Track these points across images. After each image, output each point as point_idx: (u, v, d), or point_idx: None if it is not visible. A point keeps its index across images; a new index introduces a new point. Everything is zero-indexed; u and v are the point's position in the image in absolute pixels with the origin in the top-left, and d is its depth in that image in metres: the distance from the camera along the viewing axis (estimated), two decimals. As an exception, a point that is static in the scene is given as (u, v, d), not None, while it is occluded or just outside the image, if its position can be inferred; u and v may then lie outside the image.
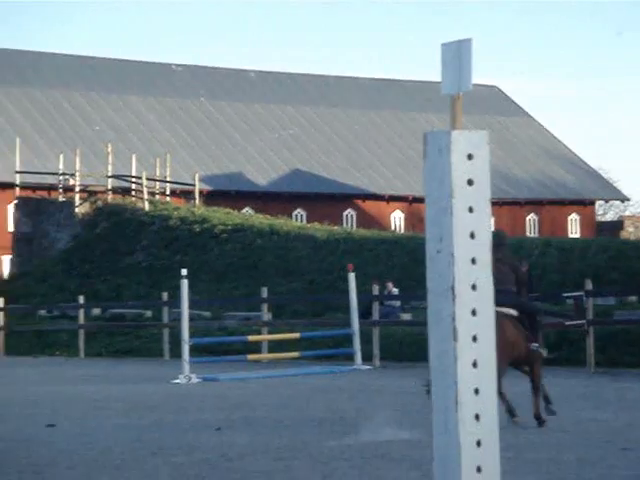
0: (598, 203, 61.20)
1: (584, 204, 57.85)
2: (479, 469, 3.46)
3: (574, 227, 57.14)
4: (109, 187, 41.39)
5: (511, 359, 11.30)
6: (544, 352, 12.04)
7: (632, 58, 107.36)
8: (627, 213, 68.89)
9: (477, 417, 3.46)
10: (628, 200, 62.88)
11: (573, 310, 19.95)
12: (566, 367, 19.22)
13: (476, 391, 3.47)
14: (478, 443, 3.46)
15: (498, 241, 11.55)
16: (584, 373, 18.14)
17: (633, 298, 24.65)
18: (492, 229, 3.76)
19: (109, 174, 41.35)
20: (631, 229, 54.92)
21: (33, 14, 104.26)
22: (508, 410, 11.00)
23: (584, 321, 18.94)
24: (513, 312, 11.56)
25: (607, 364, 18.89)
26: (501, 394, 10.87)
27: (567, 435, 10.11)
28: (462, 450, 3.43)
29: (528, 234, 53.92)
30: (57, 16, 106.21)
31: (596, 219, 59.86)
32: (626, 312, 22.28)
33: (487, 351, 3.50)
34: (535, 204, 56.31)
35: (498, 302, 11.01)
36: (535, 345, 11.68)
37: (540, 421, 10.90)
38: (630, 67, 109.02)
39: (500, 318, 10.94)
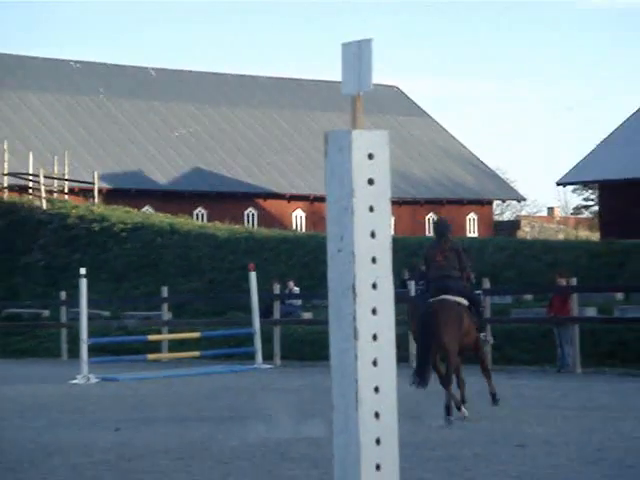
0: (495, 203, 62.18)
1: (482, 204, 58.71)
2: (378, 467, 3.48)
3: (472, 226, 57.95)
4: (5, 185, 40.65)
5: (462, 348, 11.87)
6: (491, 340, 12.83)
7: (528, 58, 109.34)
8: (523, 213, 70.19)
9: (377, 415, 3.49)
10: (524, 200, 63.99)
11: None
12: (466, 364, 19.46)
13: (376, 389, 3.49)
14: (377, 441, 3.49)
15: (442, 229, 12.18)
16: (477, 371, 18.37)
17: (529, 297, 25.10)
18: (392, 229, 3.79)
19: (5, 172, 40.61)
20: (527, 229, 55.94)
21: None
22: (456, 403, 11.46)
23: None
24: (465, 302, 11.91)
25: (503, 362, 19.20)
26: (459, 385, 11.77)
27: (464, 432, 10.25)
28: (362, 448, 3.45)
29: (427, 234, 54.52)
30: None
31: (493, 219, 60.82)
32: (522, 310, 22.67)
33: (387, 350, 3.53)
34: (434, 204, 56.95)
35: (448, 287, 11.73)
36: (484, 334, 12.53)
37: (495, 399, 12.05)
38: (527, 67, 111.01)
39: (457, 308, 11.73)
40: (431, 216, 56.80)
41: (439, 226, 12.47)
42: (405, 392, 10.84)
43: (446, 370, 11.66)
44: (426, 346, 11.61)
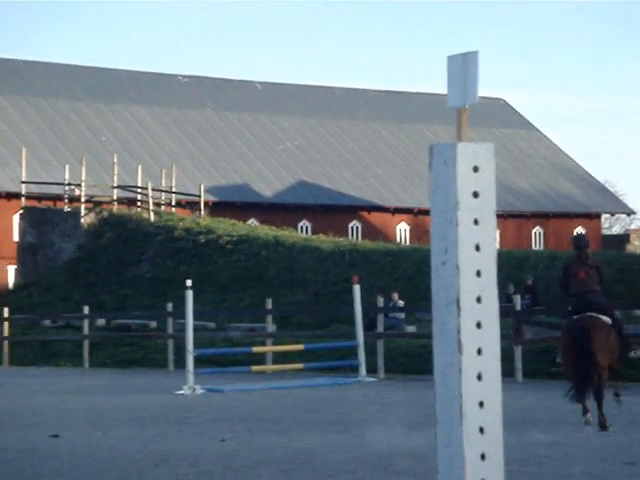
0: (604, 216, 61.18)
1: (590, 217, 57.80)
2: (483, 482, 3.44)
3: (580, 240, 57.07)
4: (114, 197, 41.43)
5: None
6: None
7: (638, 71, 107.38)
8: (633, 227, 68.85)
9: (481, 430, 3.45)
10: (634, 213, 62.84)
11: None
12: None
13: (480, 404, 3.46)
14: (482, 456, 3.45)
15: (582, 244, 12.49)
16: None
17: (639, 312, 24.58)
18: (497, 242, 3.77)
19: (115, 184, 41.40)
20: (637, 242, 54.84)
21: (41, 24, 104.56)
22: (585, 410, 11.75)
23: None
24: (608, 319, 12.14)
25: (612, 377, 18.80)
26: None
27: (572, 448, 10.08)
28: (466, 463, 3.42)
29: (534, 247, 53.87)
30: (65, 26, 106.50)
31: (602, 232, 59.81)
32: (632, 326, 22.22)
33: (492, 364, 3.49)
34: (541, 217, 56.27)
35: (592, 303, 11.92)
36: (634, 351, 12.95)
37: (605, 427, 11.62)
38: (637, 80, 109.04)
39: (608, 327, 12.02)
40: (537, 229, 56.10)
41: (579, 241, 12.64)
42: (512, 407, 10.71)
43: (598, 387, 11.88)
44: (586, 362, 11.77)
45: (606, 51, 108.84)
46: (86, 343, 27.17)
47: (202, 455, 9.63)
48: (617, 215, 64.14)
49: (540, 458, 9.32)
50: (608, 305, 12.45)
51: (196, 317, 20.24)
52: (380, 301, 22.36)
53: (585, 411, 11.79)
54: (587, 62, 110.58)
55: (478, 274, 3.49)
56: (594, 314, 11.96)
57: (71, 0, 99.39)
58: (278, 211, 50.13)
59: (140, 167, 43.24)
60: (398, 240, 51.16)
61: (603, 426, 11.57)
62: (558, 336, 12.58)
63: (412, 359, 22.22)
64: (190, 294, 18.36)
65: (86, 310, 27.83)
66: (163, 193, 42.79)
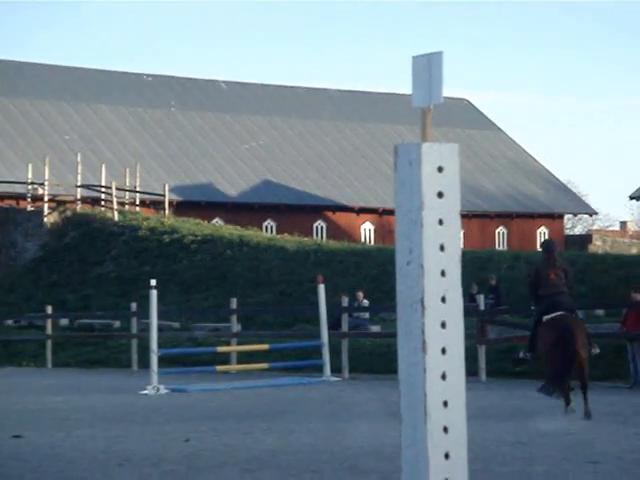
0: (567, 217, 61.60)
1: (553, 217, 58.17)
2: (447, 481, 3.46)
3: (543, 240, 57.46)
4: (78, 197, 41.21)
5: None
6: (597, 350, 13.60)
7: (600, 73, 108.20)
8: (595, 227, 69.43)
9: (445, 429, 3.47)
10: (596, 214, 63.30)
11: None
12: (535, 380, 19.26)
13: (445, 404, 3.47)
14: (446, 455, 3.46)
15: (552, 247, 13.36)
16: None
17: (600, 312, 24.77)
18: (461, 242, 3.80)
19: (78, 184, 41.18)
20: (599, 243, 55.28)
21: (2, 21, 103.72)
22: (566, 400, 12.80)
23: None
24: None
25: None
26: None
27: (535, 448, 10.14)
28: (430, 462, 3.43)
29: (497, 247, 54.13)
30: (28, 24, 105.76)
31: (565, 233, 60.21)
32: (594, 325, 22.39)
33: (456, 363, 3.50)
34: (504, 217, 56.56)
35: (562, 303, 12.70)
36: (594, 349, 13.43)
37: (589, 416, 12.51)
38: (600, 81, 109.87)
39: (582, 324, 13.26)
40: (501, 229, 56.38)
41: (549, 245, 13.48)
42: (475, 406, 10.76)
43: (584, 381, 12.86)
44: (571, 358, 12.68)
45: (569, 51, 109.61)
46: (49, 343, 27.01)
47: (166, 455, 9.60)
48: (580, 215, 64.60)
49: (504, 457, 9.37)
50: (574, 305, 13.29)
51: (160, 317, 20.17)
52: (345, 301, 22.39)
53: (568, 402, 12.79)
54: (550, 62, 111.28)
55: (442, 274, 3.50)
56: (568, 313, 12.83)
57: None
58: (243, 211, 50.06)
59: (104, 166, 43.03)
60: (363, 240, 51.25)
61: (589, 415, 12.47)
62: (536, 333, 13.13)
63: (377, 358, 22.26)
64: (154, 294, 18.30)
65: (49, 310, 27.66)
66: (127, 192, 42.61)
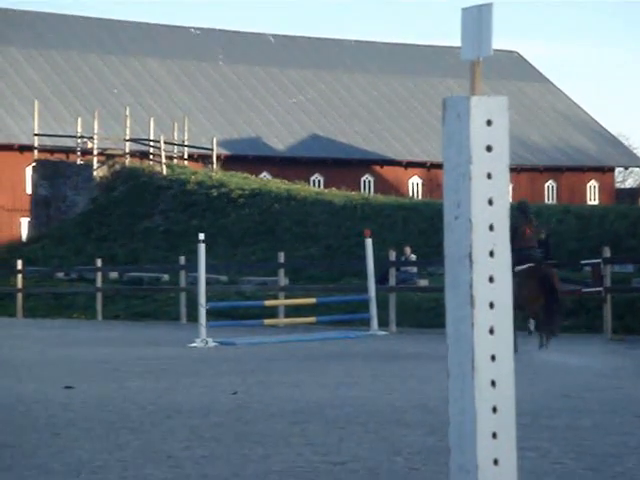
0: (617, 170, 60.97)
1: (603, 171, 57.59)
2: (495, 435, 3.47)
3: (593, 194, 56.92)
4: (127, 150, 41.41)
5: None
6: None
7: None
8: (646, 180, 68.58)
9: (493, 383, 3.46)
10: (648, 167, 62.51)
11: (591, 277, 19.92)
12: (584, 334, 19.22)
13: (492, 358, 3.47)
14: (494, 409, 3.46)
15: (528, 208, 15.21)
16: (601, 340, 18.13)
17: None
18: (510, 196, 3.78)
19: (127, 137, 41.36)
20: (650, 197, 54.69)
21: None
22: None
23: (601, 288, 18.91)
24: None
25: (624, 331, 18.87)
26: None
27: (584, 402, 10.12)
28: (478, 416, 3.44)
29: (547, 201, 53.77)
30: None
31: (615, 186, 59.62)
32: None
33: (504, 318, 3.50)
34: (554, 171, 56.10)
35: (533, 256, 14.62)
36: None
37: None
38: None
39: (551, 269, 15.13)
40: (550, 183, 55.96)
41: (526, 206, 15.44)
42: (522, 360, 10.76)
43: (555, 316, 14.85)
44: (554, 299, 14.73)
45: (622, 3, 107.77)
46: (99, 296, 27.31)
47: (214, 407, 9.70)
48: (631, 168, 63.86)
49: (551, 410, 9.36)
50: (543, 259, 15.33)
51: (208, 270, 20.30)
52: (392, 255, 22.37)
53: (545, 338, 14.95)
54: (602, 14, 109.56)
55: (491, 228, 3.48)
56: (539, 265, 14.97)
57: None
58: (290, 165, 50.08)
59: (152, 120, 43.17)
60: (410, 194, 51.11)
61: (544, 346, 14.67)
62: (520, 279, 14.72)
63: (424, 313, 22.27)
64: (202, 247, 18.40)
65: (99, 263, 27.94)
66: (175, 146, 42.76)
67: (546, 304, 14.71)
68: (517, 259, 14.11)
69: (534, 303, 14.81)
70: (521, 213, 15.05)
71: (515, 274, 13.88)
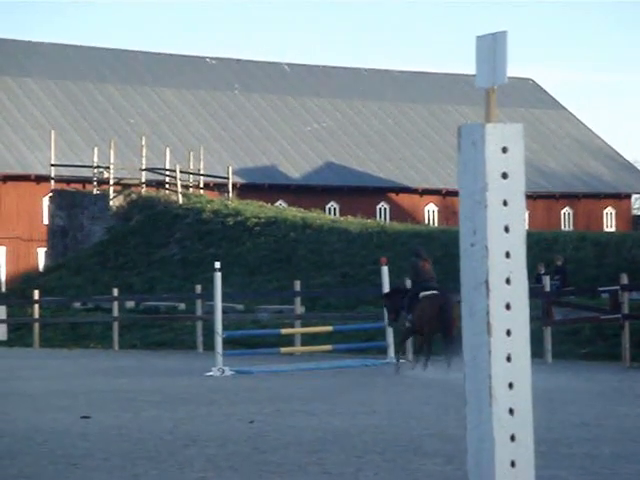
0: (634, 196, 60.81)
1: (620, 197, 57.47)
2: (513, 463, 3.45)
3: (610, 221, 56.79)
4: (143, 180, 41.57)
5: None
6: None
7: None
8: (663, 207, 68.35)
9: (511, 411, 3.45)
10: (664, 193, 62.32)
11: (609, 304, 19.83)
12: (601, 361, 19.12)
13: (510, 385, 3.45)
14: (512, 437, 3.45)
15: (420, 251, 18.40)
16: (619, 367, 18.03)
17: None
18: (526, 223, 3.78)
19: (143, 167, 41.53)
20: (667, 223, 54.52)
21: (69, 6, 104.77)
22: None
23: (620, 315, 18.82)
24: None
25: (642, 358, 18.73)
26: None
27: (602, 430, 10.06)
28: (496, 445, 3.42)
29: (563, 228, 53.65)
30: (94, 9, 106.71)
31: (632, 213, 59.46)
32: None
33: (521, 345, 3.48)
34: (570, 197, 56.01)
35: (434, 287, 17.19)
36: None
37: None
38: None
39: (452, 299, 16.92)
40: (567, 210, 55.86)
41: (420, 250, 18.77)
42: (541, 388, 10.66)
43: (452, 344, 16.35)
44: (450, 326, 16.98)
45: (635, 27, 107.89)
46: (116, 325, 27.32)
47: (231, 436, 9.68)
48: (647, 195, 63.67)
49: (570, 439, 9.30)
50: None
51: (224, 299, 20.29)
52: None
53: (420, 362, 17.33)
54: (616, 39, 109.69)
55: (507, 255, 3.48)
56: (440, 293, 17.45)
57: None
58: (306, 193, 50.15)
59: (168, 149, 43.34)
60: (426, 222, 51.08)
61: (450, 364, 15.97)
62: (421, 305, 17.29)
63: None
64: (219, 276, 18.41)
65: (115, 292, 27.97)
66: (191, 175, 42.89)
67: (443, 330, 16.99)
68: (422, 287, 17.58)
69: (431, 327, 17.26)
70: (417, 256, 18.14)
71: (420, 300, 17.39)
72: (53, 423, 11.01)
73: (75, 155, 46.96)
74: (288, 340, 22.84)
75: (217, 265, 18.60)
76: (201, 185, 43.53)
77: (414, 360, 18.22)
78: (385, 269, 20.42)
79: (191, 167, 43.23)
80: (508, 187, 3.48)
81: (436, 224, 49.80)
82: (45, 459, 8.55)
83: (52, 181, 41.98)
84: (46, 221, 42.96)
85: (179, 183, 40.53)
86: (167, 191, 41.83)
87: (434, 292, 17.48)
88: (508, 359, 3.45)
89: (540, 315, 19.32)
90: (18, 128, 48.98)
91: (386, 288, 20.48)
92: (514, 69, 60.55)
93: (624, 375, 16.57)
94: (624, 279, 19.26)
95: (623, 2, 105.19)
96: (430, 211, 53.46)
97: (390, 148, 55.40)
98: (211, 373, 17.80)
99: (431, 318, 17.25)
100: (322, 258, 33.96)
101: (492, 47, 3.53)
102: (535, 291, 19.38)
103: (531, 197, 50.79)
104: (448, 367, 16.13)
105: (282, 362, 19.90)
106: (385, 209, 52.23)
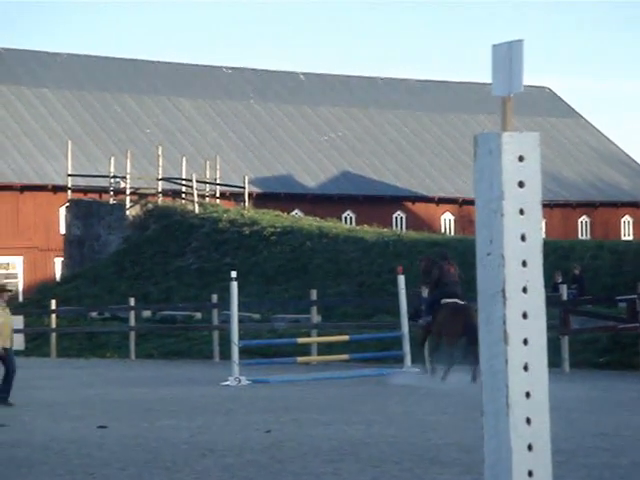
0: (651, 205, 60.52)
1: (637, 206, 57.27)
2: (530, 473, 3.43)
3: (627, 229, 56.59)
4: (159, 189, 41.64)
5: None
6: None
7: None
8: (680, 215, 68.03)
9: (528, 421, 3.43)
10: (682, 202, 62.06)
11: (626, 313, 19.76)
12: (619, 371, 19.04)
13: (527, 394, 3.44)
14: (529, 447, 3.43)
15: (445, 254, 18.49)
16: (637, 377, 17.95)
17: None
18: (543, 232, 3.77)
19: (159, 177, 41.61)
20: (684, 231, 54.29)
21: (85, 16, 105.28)
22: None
23: (637, 324, 18.75)
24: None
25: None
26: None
27: (620, 440, 10.01)
28: (513, 454, 3.40)
29: (580, 236, 53.49)
30: (109, 21, 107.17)
31: (649, 221, 59.20)
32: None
33: (538, 354, 3.47)
34: (587, 206, 55.85)
35: (458, 291, 16.94)
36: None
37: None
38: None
39: (472, 308, 16.45)
40: (584, 219, 55.71)
41: (446, 252, 19.17)
42: (558, 397, 10.61)
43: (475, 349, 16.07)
44: (472, 334, 15.83)
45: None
46: (132, 334, 27.36)
47: (248, 446, 9.67)
48: (665, 203, 63.43)
49: (588, 449, 9.26)
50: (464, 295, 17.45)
51: (241, 308, 20.30)
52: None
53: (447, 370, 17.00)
54: (632, 48, 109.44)
55: (524, 264, 3.47)
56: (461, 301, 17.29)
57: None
58: (322, 202, 50.15)
59: (184, 159, 43.43)
60: (443, 230, 51.01)
61: (476, 379, 15.05)
62: (443, 313, 17.22)
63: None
64: (235, 285, 18.42)
65: (132, 302, 28.01)
66: (207, 185, 42.95)
67: (467, 338, 16.51)
68: (446, 293, 17.47)
69: (454, 335, 17.01)
70: (443, 259, 18.03)
71: (442, 306, 17.33)
72: (70, 432, 11.02)
73: (92, 165, 47.11)
74: (304, 349, 22.83)
75: (233, 274, 18.61)
76: (217, 194, 43.57)
77: (429, 363, 18.25)
78: (401, 278, 20.39)
79: (207, 176, 43.29)
80: (524, 196, 3.47)
81: (452, 233, 49.74)
82: (62, 468, 8.56)
83: (69, 191, 42.10)
84: (63, 231, 43.07)
85: (195, 192, 40.59)
86: (183, 201, 41.89)
87: (455, 300, 17.33)
88: (525, 368, 3.44)
89: (557, 324, 19.25)
90: (35, 138, 49.16)
91: (403, 298, 20.45)
92: (530, 77, 60.46)
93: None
94: (642, 288, 19.18)
95: (635, 8, 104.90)
96: (446, 220, 53.40)
97: (406, 157, 55.38)
98: (227, 382, 17.80)
99: (452, 327, 17.16)
100: (338, 267, 33.94)
101: (508, 56, 3.52)
102: (552, 300, 19.31)
103: (548, 206, 50.65)
104: (473, 381, 15.67)
105: (298, 371, 19.88)
106: (401, 218, 52.19)
